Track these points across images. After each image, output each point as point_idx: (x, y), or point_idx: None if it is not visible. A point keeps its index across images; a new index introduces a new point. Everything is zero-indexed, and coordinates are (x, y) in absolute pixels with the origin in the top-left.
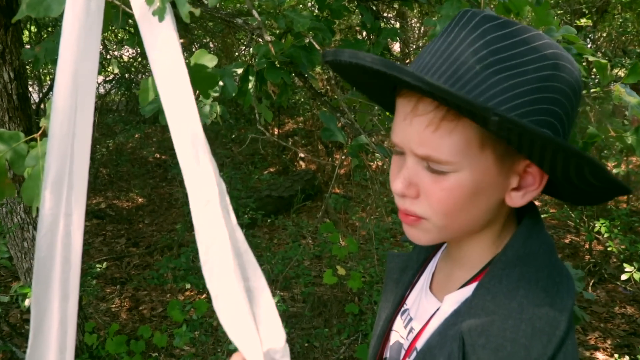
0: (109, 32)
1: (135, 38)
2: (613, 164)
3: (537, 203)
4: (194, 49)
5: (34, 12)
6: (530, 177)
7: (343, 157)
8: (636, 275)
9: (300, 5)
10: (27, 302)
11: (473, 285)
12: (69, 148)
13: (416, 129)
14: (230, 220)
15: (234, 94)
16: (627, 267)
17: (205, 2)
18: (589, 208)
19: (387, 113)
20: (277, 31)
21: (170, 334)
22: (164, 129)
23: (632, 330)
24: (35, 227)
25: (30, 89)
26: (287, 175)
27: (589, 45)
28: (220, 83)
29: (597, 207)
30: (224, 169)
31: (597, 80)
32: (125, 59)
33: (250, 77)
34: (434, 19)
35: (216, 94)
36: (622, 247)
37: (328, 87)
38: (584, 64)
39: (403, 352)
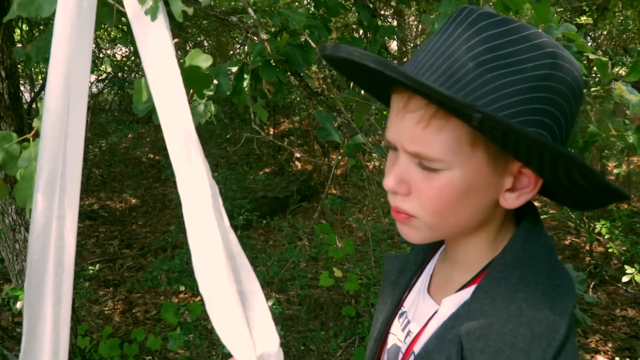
0: (102, 31)
1: (128, 36)
2: (614, 164)
3: (536, 204)
4: (188, 48)
5: (25, 12)
6: (526, 178)
7: (339, 157)
8: (637, 277)
9: (296, 3)
10: (18, 305)
11: (471, 288)
12: (61, 149)
13: (407, 126)
14: (224, 222)
15: (228, 93)
16: (628, 269)
17: (200, 0)
18: None
19: (385, 112)
20: (273, 29)
21: (164, 337)
22: (158, 128)
23: (633, 333)
24: (27, 228)
25: (22, 88)
26: (282, 176)
27: (589, 44)
28: (215, 82)
29: None
30: (219, 169)
31: (597, 78)
32: (118, 57)
33: (245, 76)
34: (432, 16)
35: (210, 93)
36: (623, 248)
37: (324, 86)
38: (585, 62)
39: (401, 356)
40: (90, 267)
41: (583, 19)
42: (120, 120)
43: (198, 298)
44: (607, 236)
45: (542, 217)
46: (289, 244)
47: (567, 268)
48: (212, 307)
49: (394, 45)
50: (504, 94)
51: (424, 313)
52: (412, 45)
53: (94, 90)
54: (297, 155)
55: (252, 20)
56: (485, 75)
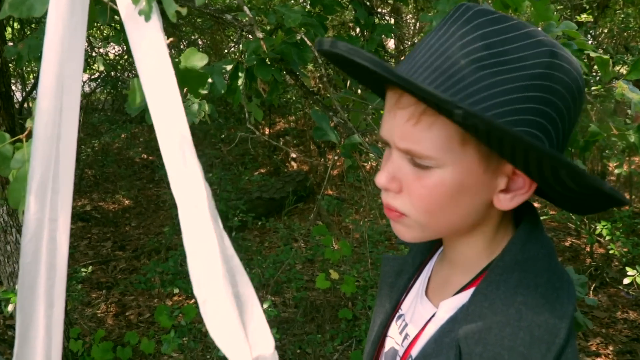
0: (94, 29)
1: (121, 35)
2: (615, 164)
3: (536, 204)
4: (182, 46)
5: (16, 12)
6: (520, 180)
7: (336, 158)
8: (639, 279)
9: (292, 1)
10: (10, 307)
11: (470, 291)
12: (53, 151)
13: (398, 123)
14: (218, 224)
15: (222, 92)
16: (630, 271)
17: None
18: None
19: (382, 112)
20: (268, 27)
21: (158, 340)
22: (151, 128)
23: (634, 335)
24: (18, 230)
25: (14, 87)
26: (278, 176)
27: (590, 42)
28: (209, 81)
29: None
30: (213, 170)
31: (598, 77)
32: (111, 56)
33: (240, 74)
34: (429, 14)
35: (205, 92)
36: (625, 250)
37: (320, 85)
38: (585, 60)
39: (398, 359)
40: (82, 269)
41: (583, 17)
42: (113, 120)
43: (192, 301)
44: (608, 237)
45: (542, 218)
46: (285, 245)
47: (568, 270)
48: (207, 309)
49: (391, 44)
50: (496, 92)
51: (422, 316)
52: (409, 43)
53: (87, 89)
54: (293, 155)
55: (247, 19)
56: (477, 73)
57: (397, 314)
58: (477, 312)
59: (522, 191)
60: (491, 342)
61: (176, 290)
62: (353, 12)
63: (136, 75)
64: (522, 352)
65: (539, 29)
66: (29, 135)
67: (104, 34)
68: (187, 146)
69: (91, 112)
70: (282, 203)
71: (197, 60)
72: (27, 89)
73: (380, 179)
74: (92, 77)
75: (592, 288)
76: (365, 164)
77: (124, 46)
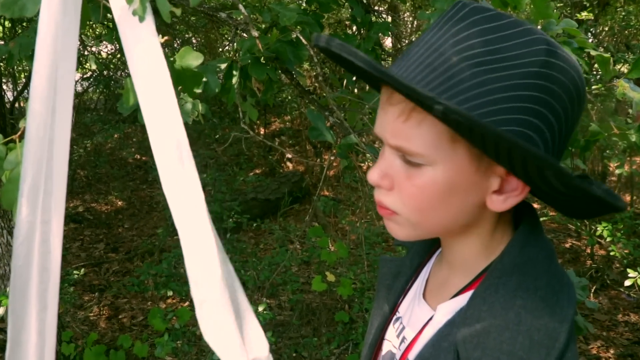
0: (87, 27)
1: (113, 33)
2: (616, 165)
3: (535, 205)
4: (175, 45)
5: (8, 12)
6: (514, 181)
7: (332, 158)
8: None
9: None
10: (1, 310)
11: (468, 294)
12: (45, 153)
13: (390, 119)
14: (213, 227)
15: (217, 91)
16: (631, 273)
17: None
18: None
19: None
20: (263, 26)
21: (152, 343)
22: (144, 128)
23: (636, 338)
24: (10, 232)
25: (4, 87)
26: (273, 177)
27: (590, 40)
28: (203, 79)
29: None
30: (208, 171)
31: (599, 76)
32: (104, 55)
33: (234, 73)
34: (427, 12)
35: (198, 91)
36: (626, 251)
37: (316, 84)
38: (586, 58)
39: None
40: (75, 272)
41: (584, 15)
42: (105, 120)
43: (186, 303)
44: (608, 239)
45: (541, 219)
46: (280, 247)
47: (569, 273)
48: (203, 311)
49: (388, 42)
50: (487, 90)
51: (419, 319)
52: (407, 41)
53: (79, 88)
54: (289, 155)
55: (242, 17)
56: (469, 70)
57: (395, 317)
58: (475, 316)
59: (515, 193)
60: (490, 346)
61: (170, 293)
62: (349, 10)
63: (129, 74)
64: (522, 356)
65: (536, 27)
66: (22, 136)
67: (96, 33)
68: (184, 148)
69: (83, 111)
70: (278, 204)
71: (192, 59)
72: (18, 89)
73: (372, 176)
74: (84, 76)
75: (592, 290)
76: (362, 165)
77: (117, 45)
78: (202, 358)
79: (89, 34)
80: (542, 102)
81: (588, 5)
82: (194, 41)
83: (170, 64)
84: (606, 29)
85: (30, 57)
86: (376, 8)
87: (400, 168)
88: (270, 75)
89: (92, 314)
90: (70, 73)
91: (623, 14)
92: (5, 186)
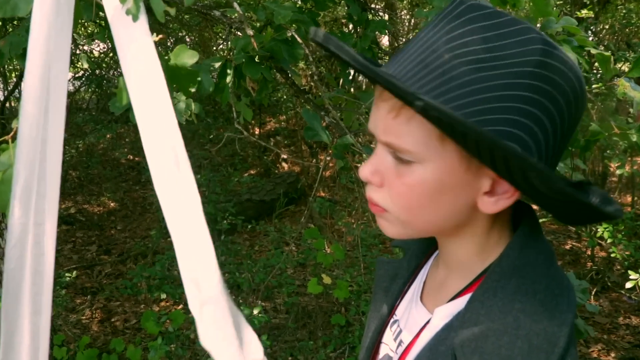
0: (78, 25)
1: (105, 31)
2: (616, 165)
3: (535, 207)
4: (169, 44)
5: (0, 12)
6: (505, 183)
7: (328, 159)
8: None
9: None
10: None
11: (465, 297)
12: (38, 154)
13: (381, 115)
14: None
15: (211, 90)
16: (632, 275)
17: None
18: None
19: None
20: (258, 24)
21: (145, 347)
22: (137, 128)
23: (637, 342)
24: (1, 234)
25: None
26: (268, 178)
27: (590, 38)
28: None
29: None
30: (202, 171)
31: (599, 75)
32: (96, 54)
33: (229, 71)
34: (425, 10)
35: (192, 90)
36: (627, 253)
37: (312, 83)
38: (586, 57)
39: None
40: (66, 274)
41: (584, 13)
42: (98, 120)
43: (180, 306)
44: (609, 240)
45: (541, 220)
46: (276, 249)
47: (569, 275)
48: (203, 314)
49: (385, 41)
50: (477, 88)
51: (416, 322)
52: (404, 40)
53: (70, 88)
54: (284, 156)
55: (236, 15)
56: (460, 68)
57: (392, 320)
58: (473, 320)
59: (506, 195)
60: (488, 351)
61: (163, 296)
62: (346, 8)
63: (122, 74)
64: None
65: (534, 27)
66: (15, 137)
67: (88, 31)
68: (180, 149)
69: (75, 111)
70: (273, 205)
71: (187, 57)
72: (9, 88)
73: (363, 171)
74: (76, 75)
75: (593, 293)
76: (358, 165)
77: (109, 43)
78: None
79: (80, 32)
80: (535, 103)
81: (588, 2)
82: (187, 40)
83: (165, 63)
84: (607, 27)
85: (21, 56)
86: (373, 6)
87: (391, 165)
88: (264, 74)
89: (84, 317)
90: (63, 73)
91: (624, 11)
92: None
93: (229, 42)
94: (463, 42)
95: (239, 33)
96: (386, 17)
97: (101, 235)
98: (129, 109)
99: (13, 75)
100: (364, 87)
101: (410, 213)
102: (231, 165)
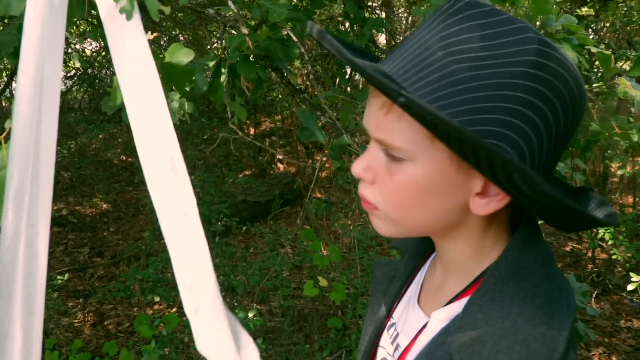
0: (70, 24)
1: (98, 30)
2: (617, 165)
3: None
4: (162, 42)
5: None
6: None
7: (324, 159)
8: None
9: None
10: None
11: (462, 301)
12: (31, 154)
13: (373, 110)
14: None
15: (205, 89)
16: (634, 277)
17: None
18: None
19: None
20: (252, 22)
21: (138, 351)
22: (130, 128)
23: (639, 345)
24: None
25: None
26: (264, 179)
27: (591, 36)
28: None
29: None
30: (196, 172)
31: (600, 73)
32: (88, 52)
33: (223, 71)
34: (422, 8)
35: (187, 89)
36: (628, 255)
37: (308, 83)
38: (586, 55)
39: None
40: (58, 277)
41: (584, 10)
42: (90, 120)
43: (174, 309)
44: (610, 242)
45: (540, 221)
46: (271, 251)
47: (569, 278)
48: (198, 318)
49: (382, 39)
50: (467, 87)
51: (413, 325)
52: (401, 38)
53: (62, 87)
54: (279, 156)
55: (231, 13)
56: (451, 66)
57: (389, 323)
58: (470, 324)
59: (497, 197)
60: (485, 356)
61: (157, 299)
62: (342, 6)
63: (115, 73)
64: None
65: (532, 26)
66: (8, 137)
67: (80, 30)
68: (175, 150)
69: (67, 111)
70: (268, 207)
71: (183, 56)
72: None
73: (356, 168)
74: (68, 74)
75: (594, 295)
76: None
77: (102, 42)
78: None
79: (72, 31)
80: (528, 104)
81: (589, 0)
82: (181, 38)
83: (159, 61)
84: (607, 25)
85: (11, 55)
86: (369, 4)
87: (382, 162)
88: (259, 73)
89: (76, 321)
90: (56, 72)
91: (625, 9)
92: None
93: (224, 41)
94: (457, 40)
95: (233, 31)
96: (383, 15)
97: (93, 237)
98: (121, 108)
99: (4, 74)
100: (360, 86)
101: (401, 211)
102: (226, 166)
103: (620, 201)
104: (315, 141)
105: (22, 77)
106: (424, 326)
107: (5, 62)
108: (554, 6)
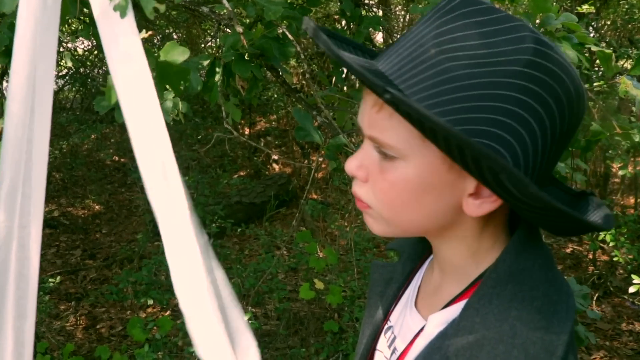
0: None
1: (90, 29)
2: (619, 165)
3: None
4: (155, 41)
5: None
6: None
7: (320, 159)
8: None
9: None
10: None
11: (460, 304)
12: (24, 154)
13: (367, 108)
14: (203, 234)
15: (199, 89)
16: (636, 279)
17: None
18: None
19: None
20: (247, 20)
21: (131, 354)
22: (123, 129)
23: None
24: None
25: None
26: (259, 180)
27: (591, 35)
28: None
29: None
30: (190, 173)
31: (600, 72)
32: (80, 51)
33: (217, 70)
34: (420, 6)
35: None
36: (630, 257)
37: (303, 82)
38: (586, 54)
39: None
40: (50, 280)
41: (585, 8)
42: (82, 120)
43: (167, 312)
44: (611, 244)
45: None
46: (266, 253)
47: (569, 281)
48: (193, 323)
49: (379, 37)
50: (459, 85)
51: (410, 328)
52: (398, 36)
53: (54, 87)
54: (275, 157)
55: (225, 11)
56: (445, 64)
57: (386, 326)
58: (468, 328)
59: (491, 199)
60: None
61: (150, 302)
62: (339, 4)
63: (108, 72)
64: None
65: (530, 25)
66: (0, 137)
67: (72, 28)
68: (167, 152)
69: (59, 111)
70: (263, 208)
71: (178, 54)
72: None
73: (349, 165)
74: (60, 73)
75: (594, 298)
76: None
77: (94, 41)
78: None
79: (64, 29)
80: (521, 104)
81: None
82: (175, 37)
83: (154, 60)
84: (608, 23)
85: (2, 54)
86: (366, 1)
87: (375, 160)
88: (254, 72)
89: (68, 324)
90: (49, 72)
91: (626, 7)
92: None
93: (218, 40)
94: (452, 38)
95: (227, 30)
96: (380, 13)
97: (86, 239)
98: (114, 108)
99: None
100: (357, 85)
101: (393, 210)
102: (220, 166)
103: (622, 202)
104: (311, 141)
105: (14, 76)
106: (421, 329)
107: None
108: (554, 4)
